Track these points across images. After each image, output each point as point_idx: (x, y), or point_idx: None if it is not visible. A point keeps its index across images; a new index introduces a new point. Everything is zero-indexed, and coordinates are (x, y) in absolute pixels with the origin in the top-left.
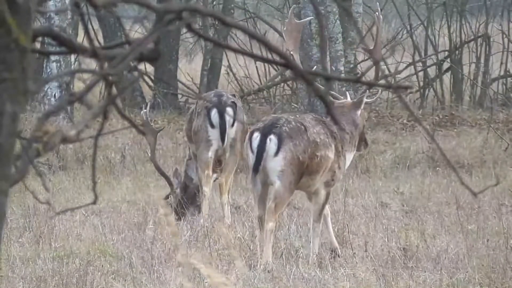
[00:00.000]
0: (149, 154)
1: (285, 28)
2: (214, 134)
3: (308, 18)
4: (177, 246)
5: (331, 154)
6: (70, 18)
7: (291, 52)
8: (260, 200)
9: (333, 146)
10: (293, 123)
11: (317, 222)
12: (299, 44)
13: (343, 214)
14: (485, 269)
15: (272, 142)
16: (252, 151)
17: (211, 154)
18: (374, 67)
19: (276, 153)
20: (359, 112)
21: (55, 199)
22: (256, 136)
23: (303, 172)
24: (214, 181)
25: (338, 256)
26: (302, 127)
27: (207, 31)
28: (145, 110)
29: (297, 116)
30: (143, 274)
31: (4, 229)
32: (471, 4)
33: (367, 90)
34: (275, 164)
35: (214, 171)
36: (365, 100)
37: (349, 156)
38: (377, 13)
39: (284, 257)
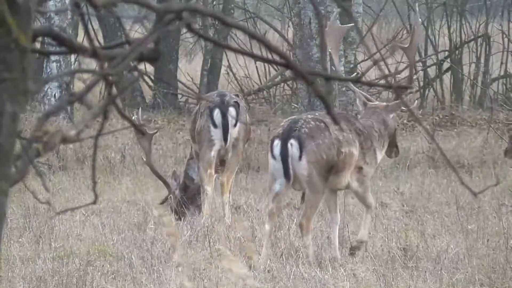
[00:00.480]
0: (144, 159)
1: (327, 29)
2: (216, 134)
3: (350, 25)
4: (174, 247)
5: (355, 151)
6: (70, 18)
7: (331, 54)
8: (276, 197)
9: (357, 142)
10: (312, 122)
11: (368, 213)
12: (339, 47)
13: (343, 214)
14: (485, 269)
15: (293, 147)
16: (274, 158)
17: (213, 153)
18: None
19: (300, 157)
20: (391, 115)
21: (55, 199)
22: (277, 144)
23: (330, 170)
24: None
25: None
26: (322, 124)
27: (207, 31)
28: (135, 116)
29: (317, 113)
30: (143, 274)
31: (4, 229)
32: (471, 4)
33: (403, 96)
34: (301, 168)
35: (216, 171)
36: (401, 107)
37: (379, 154)
38: (415, 16)
39: (284, 257)
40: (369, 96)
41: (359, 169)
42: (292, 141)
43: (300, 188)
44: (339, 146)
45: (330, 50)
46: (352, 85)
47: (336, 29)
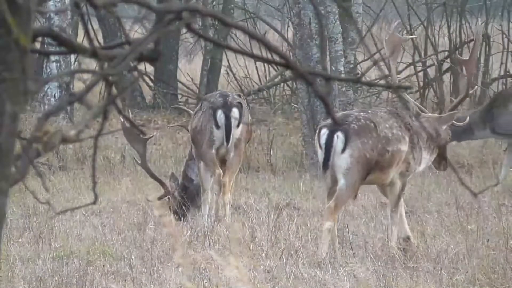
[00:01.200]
0: (138, 161)
1: (387, 38)
2: (218, 134)
3: (412, 36)
4: (174, 247)
5: (404, 147)
6: (70, 18)
7: (390, 63)
8: (330, 195)
9: (406, 138)
10: (362, 120)
11: (394, 212)
12: (397, 58)
13: (343, 214)
14: (485, 269)
15: (339, 139)
16: (321, 147)
17: (213, 151)
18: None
19: (343, 150)
20: (444, 126)
21: (55, 199)
22: (324, 133)
23: (370, 169)
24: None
25: (408, 245)
26: (372, 124)
27: (207, 31)
28: (122, 120)
29: (369, 112)
30: (143, 274)
31: (4, 229)
32: (471, 4)
33: (456, 109)
34: (342, 161)
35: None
36: (454, 118)
37: (425, 156)
38: (477, 29)
39: (284, 257)
40: (422, 107)
41: (407, 164)
42: (339, 133)
43: (335, 180)
44: (386, 145)
45: (388, 59)
46: (405, 95)
47: (396, 39)
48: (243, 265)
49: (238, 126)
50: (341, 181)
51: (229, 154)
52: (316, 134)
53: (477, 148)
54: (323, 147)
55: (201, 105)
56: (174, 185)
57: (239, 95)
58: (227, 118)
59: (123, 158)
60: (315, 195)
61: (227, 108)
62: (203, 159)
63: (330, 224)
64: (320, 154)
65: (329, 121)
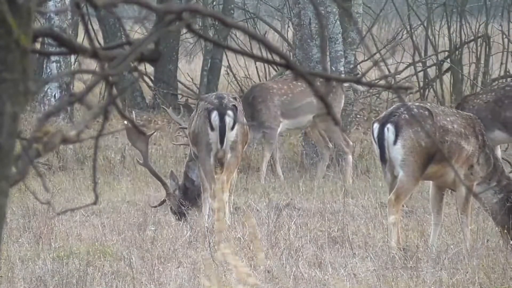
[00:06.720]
0: (140, 161)
1: None
2: (213, 137)
3: None
4: (219, 243)
5: (466, 145)
6: (70, 19)
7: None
8: (391, 189)
9: (471, 139)
10: (415, 109)
11: (463, 214)
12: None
13: (343, 214)
14: (485, 269)
15: (389, 131)
16: (375, 142)
17: (212, 160)
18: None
19: (395, 142)
20: None
21: (55, 200)
22: (376, 127)
23: (430, 158)
24: None
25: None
26: (426, 112)
27: (207, 31)
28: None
29: (428, 104)
30: (143, 274)
31: (4, 229)
32: (471, 4)
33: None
34: (396, 153)
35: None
36: None
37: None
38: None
39: (284, 257)
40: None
41: (470, 167)
42: (389, 125)
43: (396, 172)
44: (444, 135)
45: None
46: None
47: None
48: (244, 264)
49: (232, 128)
50: (400, 173)
51: (226, 156)
52: (371, 129)
53: None
54: (376, 141)
55: (197, 106)
56: (174, 184)
57: (235, 98)
58: (222, 120)
59: (123, 158)
60: (316, 195)
61: (222, 109)
62: (202, 167)
63: (394, 217)
64: (376, 149)
65: (381, 115)
